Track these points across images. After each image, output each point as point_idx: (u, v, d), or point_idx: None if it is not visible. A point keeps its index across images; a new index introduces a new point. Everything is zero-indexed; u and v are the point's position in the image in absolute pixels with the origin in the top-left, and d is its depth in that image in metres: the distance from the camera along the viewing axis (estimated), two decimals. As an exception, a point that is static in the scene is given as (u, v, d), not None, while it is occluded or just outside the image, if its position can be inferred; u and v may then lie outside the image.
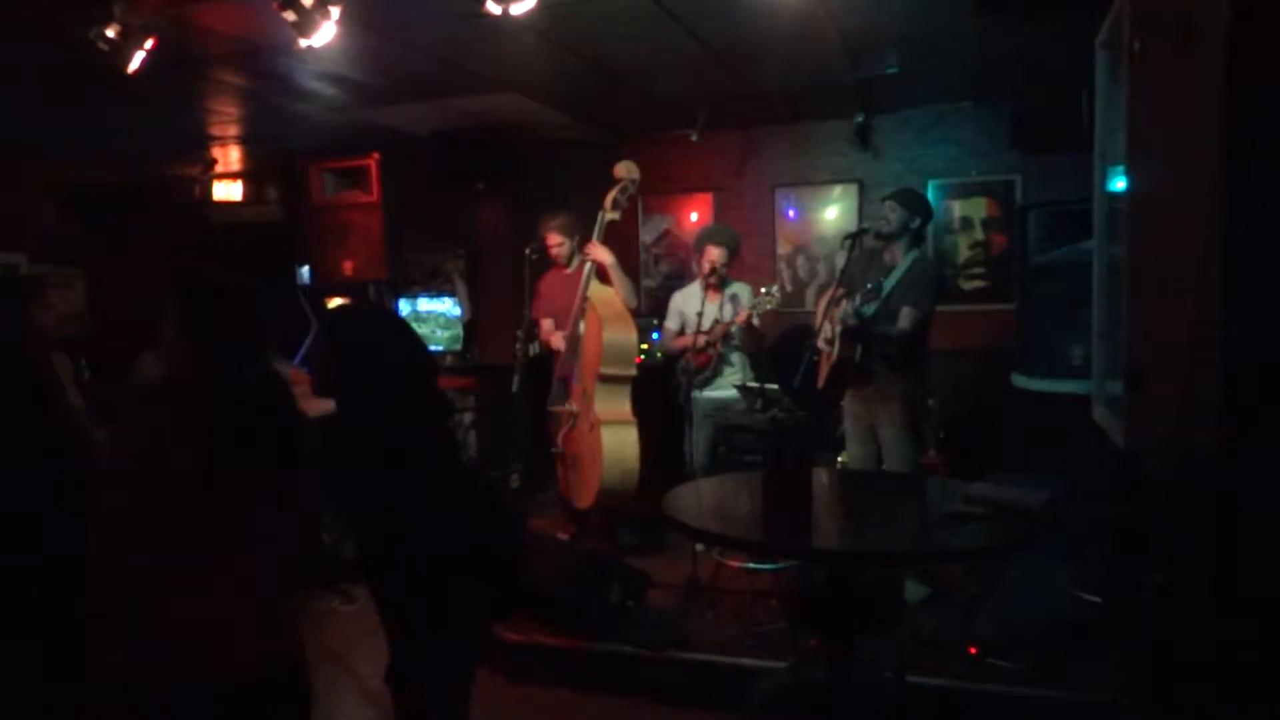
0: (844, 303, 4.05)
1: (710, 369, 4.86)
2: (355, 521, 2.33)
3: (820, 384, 4.27)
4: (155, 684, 2.05)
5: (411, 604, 2.25)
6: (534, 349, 5.23)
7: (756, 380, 4.73)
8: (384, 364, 2.22)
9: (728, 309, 4.83)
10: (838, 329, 4.02)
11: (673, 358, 5.04)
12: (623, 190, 4.79)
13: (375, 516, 2.23)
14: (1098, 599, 3.61)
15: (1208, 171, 1.88)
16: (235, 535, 2.05)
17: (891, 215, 4.09)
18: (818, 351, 4.21)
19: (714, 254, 4.83)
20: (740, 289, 4.92)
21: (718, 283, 4.87)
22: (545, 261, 5.15)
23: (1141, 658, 2.84)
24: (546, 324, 5.15)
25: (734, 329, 4.72)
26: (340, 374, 2.27)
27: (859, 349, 3.98)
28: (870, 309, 3.93)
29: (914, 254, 4.15)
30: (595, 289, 4.79)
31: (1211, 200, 1.85)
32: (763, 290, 4.62)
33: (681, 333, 4.97)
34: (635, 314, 4.87)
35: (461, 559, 2.21)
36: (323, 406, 2.35)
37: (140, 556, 2.09)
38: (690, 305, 4.86)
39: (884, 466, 4.11)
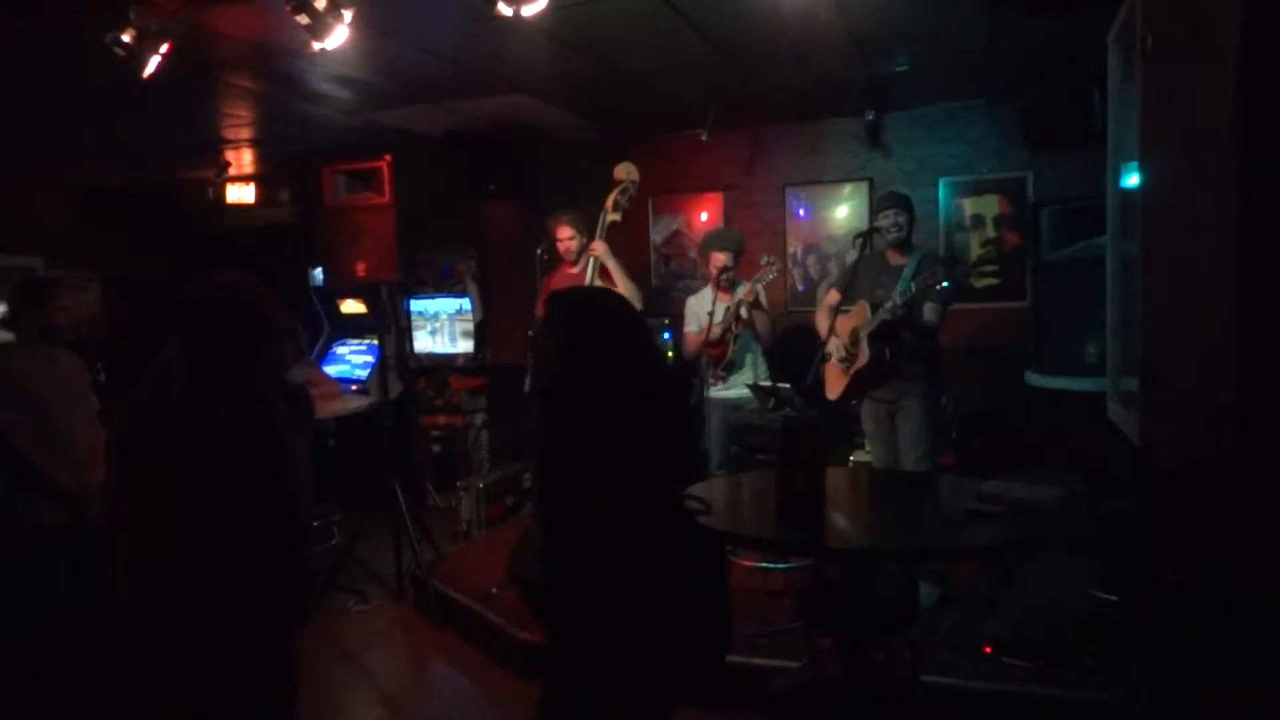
0: (868, 308, 4.04)
1: (728, 358, 4.84)
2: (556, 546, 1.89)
3: (838, 394, 4.27)
4: (131, 695, 2.04)
5: (592, 668, 1.86)
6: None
7: (772, 379, 4.72)
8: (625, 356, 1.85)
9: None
10: (868, 330, 4.02)
11: (693, 359, 5.03)
12: (623, 191, 4.83)
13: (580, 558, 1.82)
14: (1113, 597, 3.59)
15: (1222, 166, 1.88)
16: (204, 554, 1.99)
17: (901, 219, 4.15)
18: (827, 354, 4.21)
19: (719, 259, 4.86)
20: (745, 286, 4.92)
21: (727, 285, 4.88)
22: (553, 260, 5.16)
23: (1158, 657, 2.83)
24: None
25: (744, 309, 4.69)
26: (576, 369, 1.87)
27: (888, 350, 3.99)
28: (921, 298, 3.91)
29: (919, 251, 4.21)
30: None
31: (1226, 195, 1.84)
32: (763, 261, 4.65)
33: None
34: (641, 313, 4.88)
35: (668, 628, 1.79)
36: (341, 407, 2.31)
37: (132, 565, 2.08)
38: (704, 306, 4.90)
39: (904, 464, 4.10)
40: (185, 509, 1.98)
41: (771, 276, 4.66)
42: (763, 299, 4.77)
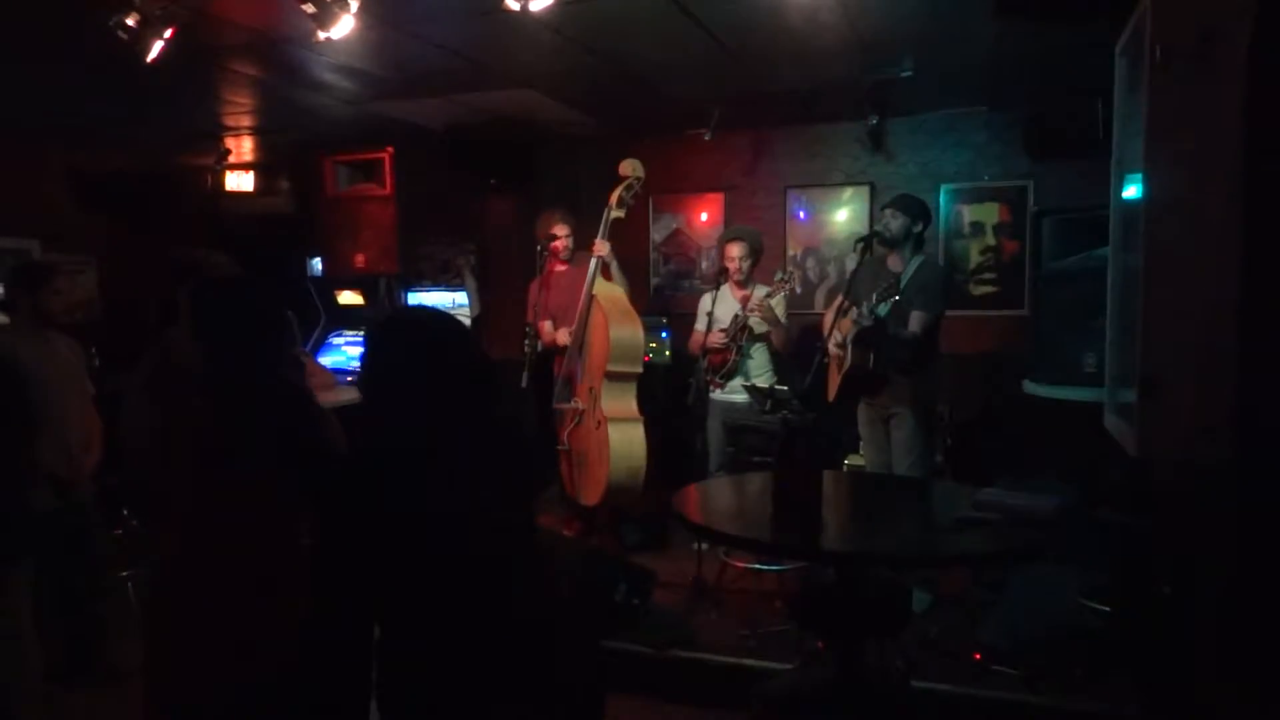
0: (852, 311, 4.05)
1: (727, 366, 4.77)
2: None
3: (832, 397, 4.27)
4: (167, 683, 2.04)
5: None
6: (540, 345, 5.18)
7: (781, 383, 4.68)
8: (403, 383, 1.62)
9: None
10: (850, 334, 4.03)
11: (693, 359, 4.96)
12: (628, 188, 4.79)
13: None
14: (1106, 608, 3.60)
15: (1227, 180, 1.88)
16: (232, 534, 2.04)
17: (893, 222, 4.14)
18: (827, 355, 4.21)
19: (732, 250, 4.77)
20: (763, 290, 4.82)
21: (743, 282, 4.80)
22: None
23: (1149, 667, 2.83)
24: (546, 326, 5.11)
25: (752, 320, 4.65)
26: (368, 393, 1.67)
27: (871, 355, 3.99)
28: (885, 308, 3.91)
29: (919, 258, 4.20)
30: (600, 286, 4.77)
31: (1230, 209, 1.84)
32: (777, 278, 4.61)
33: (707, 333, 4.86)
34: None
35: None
36: (336, 398, 2.33)
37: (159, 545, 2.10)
38: (720, 307, 4.76)
39: (895, 471, 4.11)
40: (242, 498, 2.05)
41: (784, 293, 4.62)
42: (779, 313, 4.66)
